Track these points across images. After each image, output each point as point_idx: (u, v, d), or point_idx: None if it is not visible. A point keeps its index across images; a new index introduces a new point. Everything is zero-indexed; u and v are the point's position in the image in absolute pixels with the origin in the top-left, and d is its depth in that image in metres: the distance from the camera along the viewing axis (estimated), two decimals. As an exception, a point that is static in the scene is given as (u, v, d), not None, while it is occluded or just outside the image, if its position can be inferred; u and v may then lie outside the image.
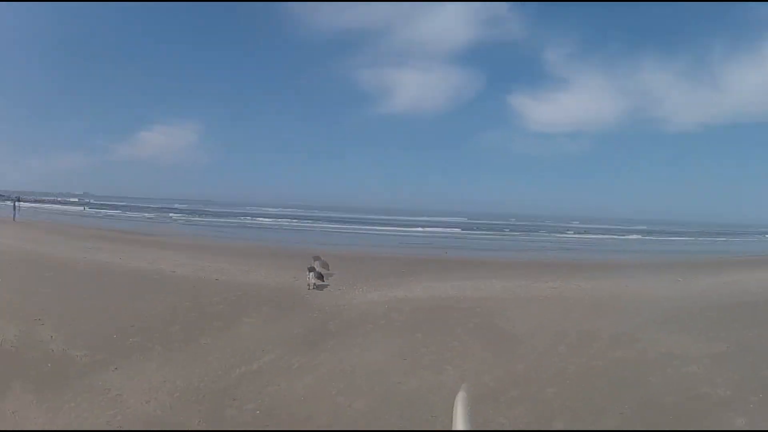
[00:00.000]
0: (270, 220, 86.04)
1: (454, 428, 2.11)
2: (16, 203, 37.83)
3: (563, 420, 7.21)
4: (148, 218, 66.96)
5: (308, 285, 15.85)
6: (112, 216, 67.86)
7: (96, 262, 16.94)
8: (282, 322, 11.90)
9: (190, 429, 6.31)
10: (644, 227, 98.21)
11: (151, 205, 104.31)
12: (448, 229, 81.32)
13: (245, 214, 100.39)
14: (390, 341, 10.86)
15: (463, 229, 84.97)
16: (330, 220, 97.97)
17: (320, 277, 16.46)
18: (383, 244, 42.90)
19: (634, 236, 74.44)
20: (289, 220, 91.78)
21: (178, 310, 12.12)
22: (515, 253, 38.57)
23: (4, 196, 54.03)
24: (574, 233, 78.75)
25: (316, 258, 16.91)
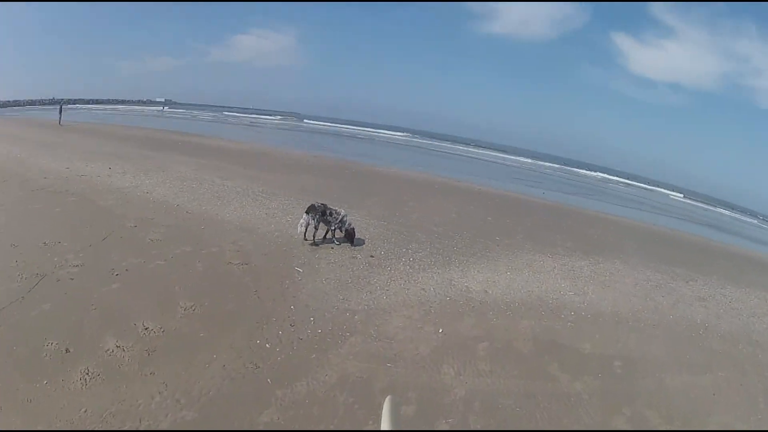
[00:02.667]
0: (344, 127, 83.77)
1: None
2: (62, 107, 35.42)
3: None
4: (209, 120, 65.18)
5: (303, 235, 9.70)
6: (178, 117, 65.38)
7: (68, 178, 12.82)
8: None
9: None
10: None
11: (227, 111, 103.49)
12: (546, 163, 76.88)
13: (326, 120, 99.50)
14: None
15: (562, 164, 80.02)
16: (410, 132, 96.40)
17: (344, 230, 9.92)
18: (468, 171, 36.99)
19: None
20: (366, 129, 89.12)
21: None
22: (623, 208, 30.80)
23: (60, 101, 52.56)
24: (684, 197, 69.41)
25: (325, 211, 9.88)
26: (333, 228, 9.79)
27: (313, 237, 9.69)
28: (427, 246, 10.72)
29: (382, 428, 1.91)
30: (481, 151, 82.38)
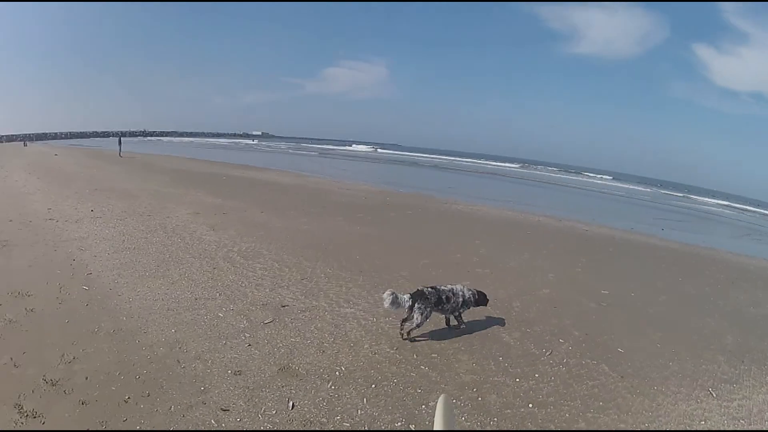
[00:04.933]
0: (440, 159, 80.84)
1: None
2: (121, 139, 38.26)
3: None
4: (293, 153, 65.40)
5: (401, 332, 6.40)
6: (263, 150, 66.04)
7: (30, 222, 11.19)
8: None
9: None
10: None
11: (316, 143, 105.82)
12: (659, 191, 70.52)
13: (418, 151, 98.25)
14: None
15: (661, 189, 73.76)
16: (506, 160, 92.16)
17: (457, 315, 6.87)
18: (574, 205, 32.40)
19: None
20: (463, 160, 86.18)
21: None
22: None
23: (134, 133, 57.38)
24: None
25: (440, 297, 6.48)
26: (458, 313, 6.81)
27: (408, 333, 6.36)
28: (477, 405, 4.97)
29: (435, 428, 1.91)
30: (588, 179, 75.64)
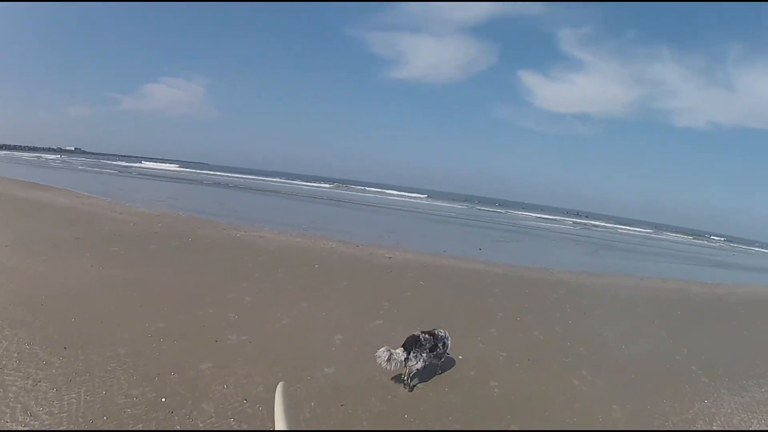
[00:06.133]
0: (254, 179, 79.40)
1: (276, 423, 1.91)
2: None
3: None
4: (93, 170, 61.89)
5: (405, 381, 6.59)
6: (62, 167, 61.28)
7: None
8: None
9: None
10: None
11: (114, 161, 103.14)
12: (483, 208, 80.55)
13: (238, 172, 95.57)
14: None
15: (478, 205, 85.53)
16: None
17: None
18: (388, 227, 32.87)
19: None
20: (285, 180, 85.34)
21: None
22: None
23: None
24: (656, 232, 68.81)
25: (436, 344, 6.86)
26: (443, 358, 7.17)
27: (409, 378, 6.55)
28: None
29: (276, 414, 1.84)
30: (401, 199, 78.25)
